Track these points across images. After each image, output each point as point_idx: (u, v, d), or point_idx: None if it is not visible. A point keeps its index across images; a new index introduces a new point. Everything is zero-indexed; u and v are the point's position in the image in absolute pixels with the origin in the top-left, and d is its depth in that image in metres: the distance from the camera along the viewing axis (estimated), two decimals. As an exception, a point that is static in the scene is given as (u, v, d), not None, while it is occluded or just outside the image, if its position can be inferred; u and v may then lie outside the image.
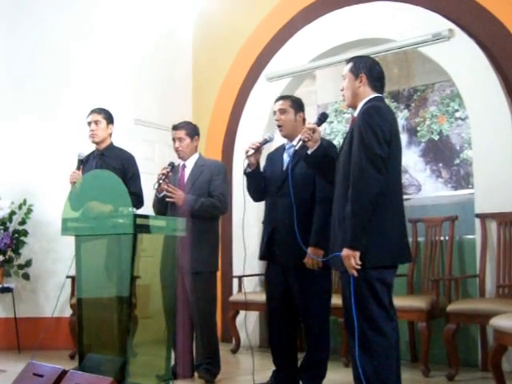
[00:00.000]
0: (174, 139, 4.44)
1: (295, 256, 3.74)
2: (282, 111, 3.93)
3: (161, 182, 4.20)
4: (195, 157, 4.49)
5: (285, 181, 3.82)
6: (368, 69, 3.13)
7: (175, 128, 4.44)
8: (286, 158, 3.95)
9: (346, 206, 2.94)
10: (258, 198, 4.09)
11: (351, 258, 2.87)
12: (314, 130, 3.30)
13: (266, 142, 3.93)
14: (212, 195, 4.30)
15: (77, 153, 4.68)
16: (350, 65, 3.18)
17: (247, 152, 3.85)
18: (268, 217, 4.00)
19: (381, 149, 2.90)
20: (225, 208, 4.39)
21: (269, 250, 3.94)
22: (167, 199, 4.22)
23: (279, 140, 4.23)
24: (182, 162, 4.47)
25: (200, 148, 6.55)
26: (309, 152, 3.35)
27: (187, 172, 4.43)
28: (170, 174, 4.27)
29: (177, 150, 4.43)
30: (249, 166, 3.91)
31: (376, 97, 3.11)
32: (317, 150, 3.32)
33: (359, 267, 2.87)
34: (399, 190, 3.07)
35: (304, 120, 4.00)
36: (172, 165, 4.30)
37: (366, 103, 3.08)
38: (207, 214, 4.26)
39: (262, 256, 4.04)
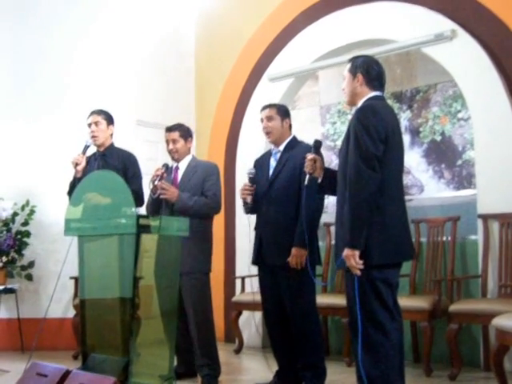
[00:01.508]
0: (167, 141, 4.46)
1: (282, 256, 3.85)
2: (269, 118, 4.10)
3: (156, 182, 4.22)
4: (188, 158, 4.50)
5: (270, 186, 4.00)
6: (365, 68, 3.14)
7: (169, 130, 4.47)
8: (272, 162, 4.12)
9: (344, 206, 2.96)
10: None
11: (351, 258, 2.88)
12: (315, 160, 3.35)
13: (252, 179, 4.06)
14: (205, 195, 4.33)
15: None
16: (349, 65, 3.20)
17: (246, 199, 4.01)
18: (257, 222, 4.13)
19: (375, 148, 2.91)
20: (218, 208, 4.41)
21: (258, 255, 4.06)
22: (161, 196, 4.24)
23: (267, 146, 4.32)
24: (175, 164, 4.49)
25: (203, 149, 6.64)
26: (319, 181, 3.38)
27: (180, 173, 4.45)
28: (165, 174, 4.30)
29: (170, 152, 4.46)
30: (246, 203, 4.05)
31: (374, 96, 3.12)
32: (325, 176, 3.35)
33: (361, 266, 2.87)
34: (399, 187, 3.07)
35: (290, 126, 4.17)
36: (166, 166, 4.34)
37: (363, 102, 3.10)
38: (200, 213, 4.26)
39: (254, 261, 4.15)
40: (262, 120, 4.14)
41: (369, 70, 3.14)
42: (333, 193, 3.46)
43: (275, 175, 4.02)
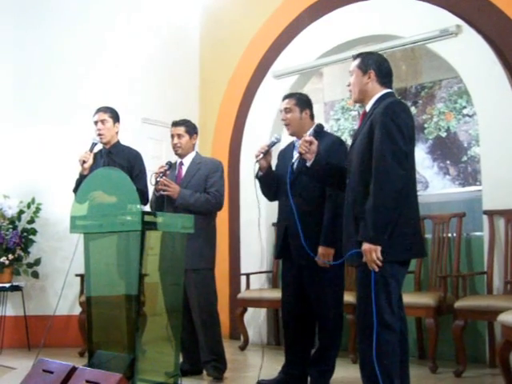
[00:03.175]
0: (172, 135, 4.48)
1: (308, 254, 3.69)
2: (288, 110, 3.97)
3: (158, 179, 4.24)
4: (192, 154, 4.52)
5: (295, 179, 3.84)
6: (377, 65, 3.12)
7: (175, 124, 4.49)
8: (295, 154, 3.91)
9: (364, 202, 2.92)
10: (270, 198, 4.13)
11: (373, 253, 2.85)
12: (311, 143, 3.32)
13: (273, 143, 3.95)
14: (208, 192, 4.33)
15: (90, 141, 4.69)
16: (358, 61, 3.16)
17: (257, 156, 3.85)
18: (281, 216, 4.02)
19: (405, 145, 2.90)
20: (219, 205, 4.41)
21: (283, 248, 3.96)
22: (162, 192, 4.26)
23: (289, 138, 4.21)
24: (179, 160, 4.51)
25: (207, 146, 6.64)
26: (308, 164, 3.36)
27: (184, 169, 4.47)
28: (168, 172, 4.31)
29: (175, 147, 4.47)
30: (260, 169, 3.92)
31: (390, 92, 3.11)
32: (316, 162, 3.32)
33: (380, 262, 2.85)
34: (414, 186, 3.06)
35: (312, 116, 4.02)
36: (170, 164, 4.37)
37: (383, 98, 3.06)
38: (202, 210, 4.27)
39: (278, 255, 4.07)
40: (281, 111, 4.03)
41: (380, 66, 3.13)
42: (320, 182, 3.49)
43: (299, 169, 3.78)
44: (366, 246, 2.88)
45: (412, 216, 3.00)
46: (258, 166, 3.93)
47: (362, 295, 2.99)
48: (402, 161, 2.88)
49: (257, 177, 3.97)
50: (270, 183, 3.99)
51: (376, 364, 2.85)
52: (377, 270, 2.86)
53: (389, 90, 3.12)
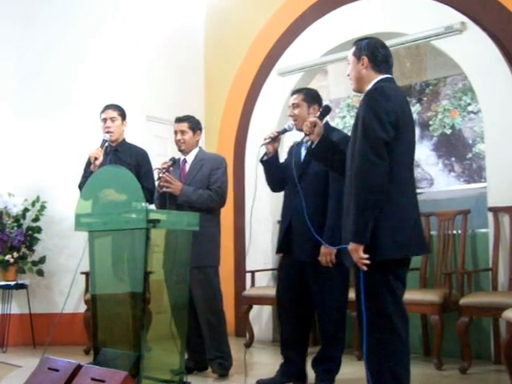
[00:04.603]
0: (175, 132, 4.47)
1: (311, 252, 3.72)
2: (295, 105, 3.94)
3: (161, 175, 4.23)
4: (195, 151, 4.50)
5: (302, 176, 3.82)
6: (370, 51, 2.99)
7: (178, 120, 4.47)
8: (303, 151, 3.92)
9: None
10: (273, 188, 4.09)
11: (354, 252, 2.74)
12: (315, 124, 3.28)
13: (285, 131, 3.89)
14: (210, 188, 4.32)
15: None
16: (354, 48, 3.07)
17: (265, 139, 3.79)
18: (285, 211, 4.00)
19: (384, 132, 2.73)
20: (222, 201, 4.39)
21: (285, 243, 3.93)
22: (164, 189, 4.25)
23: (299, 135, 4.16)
24: (182, 157, 4.50)
25: (212, 143, 6.64)
26: (312, 146, 3.32)
27: (188, 166, 4.46)
28: (171, 168, 4.31)
29: (178, 143, 4.45)
30: (266, 154, 3.88)
31: (384, 78, 2.96)
32: (320, 144, 3.27)
33: (367, 261, 2.73)
34: (410, 176, 2.92)
35: None
36: (173, 160, 4.36)
37: (372, 86, 2.94)
38: (204, 207, 4.25)
39: (278, 249, 4.05)
40: (289, 106, 3.99)
41: (374, 52, 2.99)
42: (324, 164, 3.41)
43: (305, 164, 3.81)
44: (350, 245, 2.77)
45: (408, 209, 2.83)
46: (263, 149, 3.88)
47: (359, 296, 2.84)
48: (380, 151, 2.71)
49: (261, 160, 3.92)
50: (273, 171, 3.95)
51: (365, 363, 2.77)
52: (365, 269, 2.74)
53: (384, 76, 2.96)
